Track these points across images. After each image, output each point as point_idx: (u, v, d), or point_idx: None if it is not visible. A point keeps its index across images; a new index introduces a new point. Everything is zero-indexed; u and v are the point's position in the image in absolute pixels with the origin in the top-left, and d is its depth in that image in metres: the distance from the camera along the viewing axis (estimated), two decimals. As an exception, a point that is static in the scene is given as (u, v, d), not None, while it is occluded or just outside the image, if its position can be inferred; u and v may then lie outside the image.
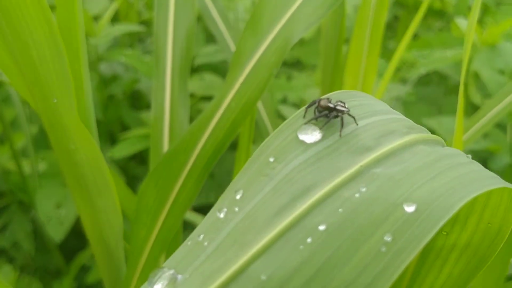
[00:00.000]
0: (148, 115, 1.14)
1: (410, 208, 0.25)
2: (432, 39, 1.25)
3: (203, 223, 0.27)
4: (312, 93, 1.14)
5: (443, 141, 0.31)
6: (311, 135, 0.29)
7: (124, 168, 1.21)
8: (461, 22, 1.10)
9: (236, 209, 0.27)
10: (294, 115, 0.31)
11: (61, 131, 0.51)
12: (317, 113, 0.31)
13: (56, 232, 0.97)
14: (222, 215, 0.27)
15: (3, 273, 1.00)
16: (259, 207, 0.26)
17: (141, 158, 1.25)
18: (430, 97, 1.27)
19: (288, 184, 0.27)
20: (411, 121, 0.32)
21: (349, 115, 0.31)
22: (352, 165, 0.28)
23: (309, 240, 0.25)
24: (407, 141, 0.29)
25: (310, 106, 0.32)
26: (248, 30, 0.57)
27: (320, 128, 0.30)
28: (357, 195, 0.26)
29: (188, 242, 0.26)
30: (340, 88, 0.84)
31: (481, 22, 1.18)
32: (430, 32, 1.51)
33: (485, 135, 1.02)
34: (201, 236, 0.26)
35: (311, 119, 0.31)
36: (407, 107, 1.18)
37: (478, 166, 0.29)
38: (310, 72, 1.30)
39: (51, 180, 1.03)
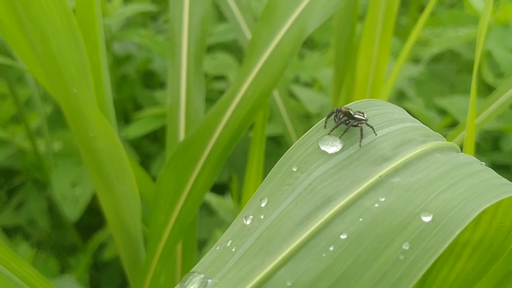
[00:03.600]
0: (161, 94, 1.15)
1: (427, 218, 0.27)
2: (444, 17, 1.25)
3: (231, 229, 0.29)
4: (325, 73, 1.14)
5: (458, 147, 0.32)
6: (332, 146, 0.30)
7: (138, 146, 1.22)
8: (474, 0, 1.09)
9: (262, 216, 0.28)
10: (315, 126, 0.32)
11: (81, 120, 0.52)
12: (337, 120, 0.32)
13: (72, 211, 0.98)
14: (248, 222, 0.28)
15: (20, 251, 1.01)
16: (284, 216, 0.28)
17: (154, 136, 1.26)
18: (442, 74, 1.28)
19: (310, 194, 0.28)
20: (428, 128, 0.33)
21: (368, 125, 0.32)
22: (371, 175, 0.29)
23: (331, 248, 0.26)
24: (424, 150, 0.31)
25: (329, 116, 0.33)
26: (263, 20, 0.58)
27: (340, 137, 0.31)
28: (376, 205, 0.27)
29: (217, 247, 0.28)
30: (353, 68, 0.84)
31: (495, 0, 1.17)
32: (442, 7, 1.50)
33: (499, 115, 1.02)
34: (229, 242, 0.28)
35: (332, 128, 0.32)
36: (419, 86, 1.19)
37: (491, 173, 0.30)
38: (322, 51, 1.30)
39: (66, 159, 1.04)
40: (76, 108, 0.51)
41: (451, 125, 1.06)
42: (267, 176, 0.30)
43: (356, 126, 0.32)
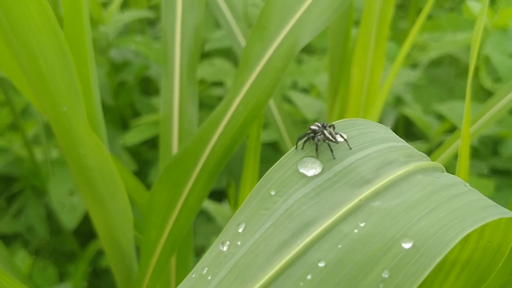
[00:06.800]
0: (159, 101, 1.14)
1: (407, 245, 0.26)
2: (443, 21, 1.24)
3: (207, 256, 0.28)
4: (322, 78, 1.13)
5: (442, 167, 0.32)
6: (311, 168, 0.30)
7: (136, 152, 1.22)
8: (472, 5, 1.08)
9: (239, 243, 0.28)
10: (293, 148, 0.31)
11: (71, 137, 0.51)
12: (316, 140, 0.32)
13: (70, 219, 0.98)
14: (225, 248, 0.28)
15: (19, 259, 1.01)
16: (261, 242, 0.27)
17: (153, 142, 1.26)
18: (440, 79, 1.27)
19: (288, 219, 0.28)
20: (411, 147, 0.33)
21: (329, 140, 0.31)
22: (351, 199, 0.28)
23: (309, 277, 0.26)
24: (406, 171, 0.30)
25: (303, 137, 0.32)
26: (255, 34, 0.57)
27: (303, 148, 0.30)
28: (355, 230, 0.27)
29: (193, 275, 0.27)
30: (348, 74, 0.83)
31: (493, 5, 1.16)
32: (441, 11, 1.50)
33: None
34: (205, 270, 0.27)
35: (306, 145, 0.31)
36: (417, 91, 1.18)
37: (475, 195, 0.29)
38: (320, 56, 1.29)
39: (63, 167, 1.04)
40: (66, 126, 0.51)
41: (450, 130, 1.05)
42: (245, 199, 0.29)
43: (325, 140, 0.31)
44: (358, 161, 0.30)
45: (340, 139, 0.31)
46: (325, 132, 0.31)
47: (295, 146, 0.32)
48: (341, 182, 0.29)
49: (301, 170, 0.30)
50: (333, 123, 0.33)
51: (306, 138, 0.32)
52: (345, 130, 0.32)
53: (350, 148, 0.31)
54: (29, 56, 0.46)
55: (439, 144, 1.02)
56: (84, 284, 1.04)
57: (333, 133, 0.31)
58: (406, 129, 1.24)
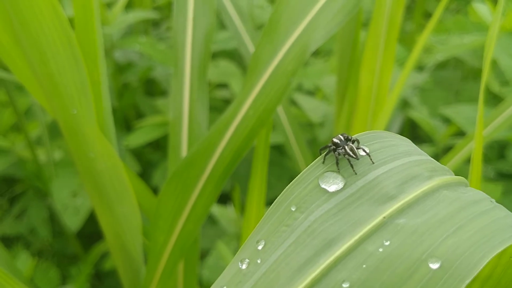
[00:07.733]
0: (163, 102, 1.13)
1: (434, 265, 0.25)
2: (449, 24, 1.23)
3: (225, 273, 0.27)
4: (328, 81, 1.12)
5: (466, 181, 0.31)
6: (333, 183, 0.29)
7: (139, 154, 1.21)
8: (479, 7, 1.07)
9: (259, 261, 0.27)
10: (314, 162, 0.31)
11: (81, 140, 0.51)
12: (336, 154, 0.31)
13: (73, 221, 0.97)
14: (244, 266, 0.27)
15: (21, 261, 1.01)
16: (282, 261, 0.26)
17: (156, 144, 1.25)
18: (447, 81, 1.26)
19: (310, 236, 0.27)
20: (434, 161, 0.32)
21: (349, 153, 0.30)
22: (375, 216, 0.27)
23: (332, 298, 0.25)
24: (430, 187, 0.29)
25: (328, 152, 0.31)
26: (265, 37, 0.57)
27: (324, 162, 0.30)
28: (380, 249, 0.26)
29: (210, 294, 0.26)
30: (356, 77, 0.83)
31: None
32: (447, 13, 1.49)
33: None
34: (224, 289, 0.26)
35: (327, 159, 0.30)
36: (423, 93, 1.17)
37: (502, 212, 0.29)
38: (326, 58, 1.28)
39: (67, 168, 1.03)
40: (76, 129, 0.50)
41: (457, 134, 1.04)
42: (264, 215, 0.28)
43: (345, 154, 0.30)
44: (381, 176, 0.29)
45: (362, 153, 0.31)
46: (346, 147, 0.30)
47: (319, 157, 0.31)
48: (364, 198, 0.28)
49: (323, 186, 0.29)
50: (356, 136, 0.32)
51: (327, 151, 0.31)
52: (367, 143, 0.31)
53: (373, 163, 0.30)
54: (40, 58, 0.46)
55: (446, 148, 1.01)
56: (87, 287, 1.04)
57: (354, 148, 0.31)
58: (411, 132, 1.24)
